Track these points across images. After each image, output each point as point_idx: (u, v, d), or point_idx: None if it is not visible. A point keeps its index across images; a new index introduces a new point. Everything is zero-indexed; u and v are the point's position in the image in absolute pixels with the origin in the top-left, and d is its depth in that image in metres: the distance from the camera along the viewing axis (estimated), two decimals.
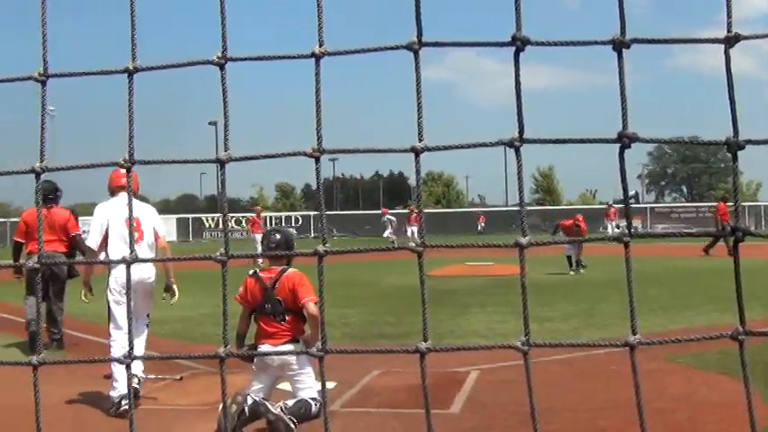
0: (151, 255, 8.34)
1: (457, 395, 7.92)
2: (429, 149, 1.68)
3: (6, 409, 7.79)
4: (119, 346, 8.01)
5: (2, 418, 7.51)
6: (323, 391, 1.78)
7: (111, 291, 8.27)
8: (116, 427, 7.17)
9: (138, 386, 7.87)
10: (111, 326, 8.20)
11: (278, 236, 7.89)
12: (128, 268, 1.92)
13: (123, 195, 8.26)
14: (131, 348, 1.98)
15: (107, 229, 8.34)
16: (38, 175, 1.83)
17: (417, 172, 1.70)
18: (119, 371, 7.72)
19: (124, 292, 8.15)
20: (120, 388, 7.71)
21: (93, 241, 8.40)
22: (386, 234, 43.40)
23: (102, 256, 8.33)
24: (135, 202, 8.01)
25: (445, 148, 1.71)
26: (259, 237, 28.98)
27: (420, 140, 1.67)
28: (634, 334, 1.65)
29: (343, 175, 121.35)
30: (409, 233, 40.37)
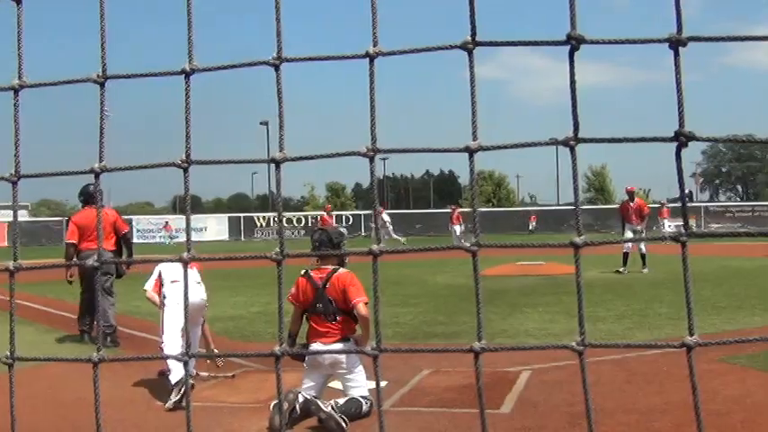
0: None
1: (508, 395, 7.87)
2: (483, 149, 1.66)
3: (64, 406, 7.92)
4: (171, 344, 8.13)
5: (60, 413, 7.64)
6: (377, 389, 1.77)
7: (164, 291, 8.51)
8: (169, 423, 7.24)
9: (192, 382, 7.94)
10: (166, 324, 8.34)
11: (321, 234, 7.90)
12: (185, 266, 1.93)
13: None
14: (188, 346, 2.00)
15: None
16: (97, 176, 1.86)
17: (472, 171, 1.69)
18: (175, 367, 7.83)
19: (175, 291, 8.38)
20: (174, 380, 7.88)
21: None
22: (393, 236, 41.45)
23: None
24: None
25: (500, 147, 1.69)
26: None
27: (474, 139, 1.66)
28: (691, 335, 1.63)
29: (393, 174, 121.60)
30: (456, 232, 39.92)
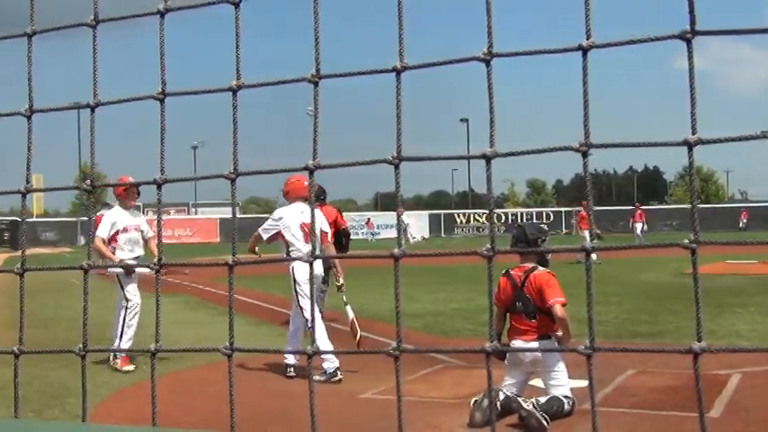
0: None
1: (717, 398, 7.56)
2: (703, 142, 1.60)
3: (273, 395, 8.25)
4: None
5: (270, 402, 7.96)
6: (591, 389, 1.74)
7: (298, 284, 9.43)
8: (371, 414, 7.39)
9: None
10: (305, 316, 9.36)
11: (518, 231, 7.84)
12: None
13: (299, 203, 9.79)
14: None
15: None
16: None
17: (690, 165, 1.63)
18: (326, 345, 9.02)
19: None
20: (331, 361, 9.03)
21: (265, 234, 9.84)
22: (411, 240, 38.92)
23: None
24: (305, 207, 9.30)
25: (724, 140, 1.62)
26: (586, 234, 28.31)
27: (693, 133, 1.60)
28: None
29: (595, 170, 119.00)
30: (637, 230, 38.52)
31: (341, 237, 13.41)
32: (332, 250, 9.84)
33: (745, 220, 64.25)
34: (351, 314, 9.98)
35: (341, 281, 10.03)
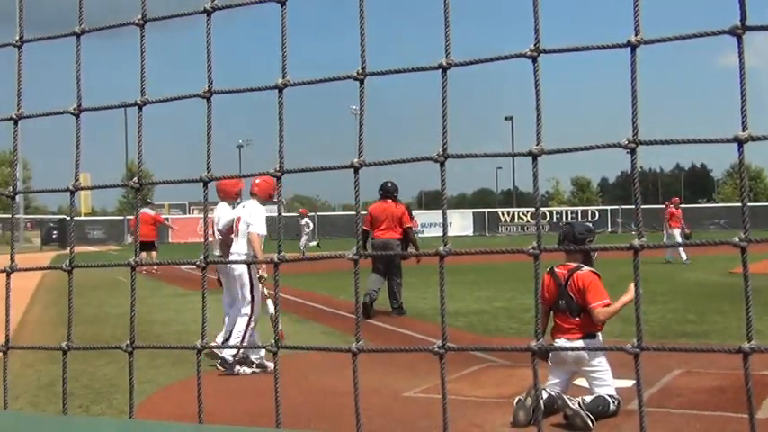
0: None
1: (765, 399, 7.46)
2: (754, 139, 1.57)
3: (316, 392, 8.29)
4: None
5: (311, 399, 7.99)
6: (639, 388, 1.73)
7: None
8: (414, 413, 7.40)
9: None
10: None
11: (566, 229, 7.78)
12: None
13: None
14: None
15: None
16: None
17: (741, 163, 1.61)
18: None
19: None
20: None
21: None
22: (302, 242, 37.65)
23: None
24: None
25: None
26: (677, 231, 27.54)
27: (744, 130, 1.58)
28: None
29: (641, 168, 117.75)
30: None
31: (406, 234, 14.78)
32: (255, 245, 9.93)
33: None
34: (271, 308, 10.04)
35: (260, 273, 10.02)
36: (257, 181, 9.93)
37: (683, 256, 26.04)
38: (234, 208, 10.47)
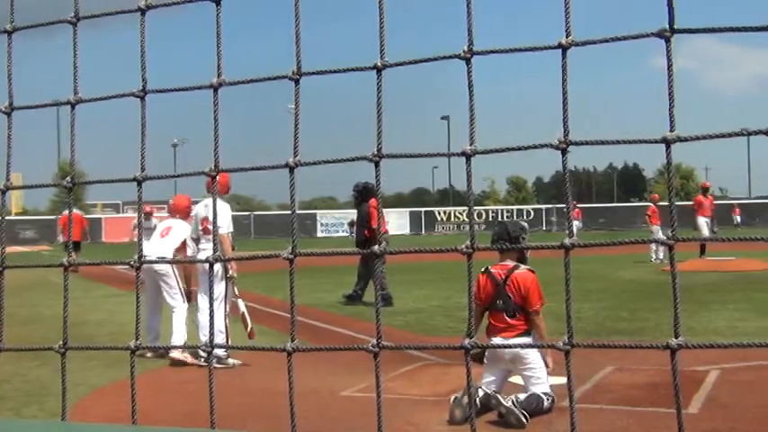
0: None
1: (695, 395, 7.61)
2: (681, 140, 1.61)
3: (251, 394, 8.24)
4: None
5: (246, 401, 7.95)
6: (569, 385, 1.75)
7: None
8: (353, 412, 7.40)
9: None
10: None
11: (499, 228, 7.77)
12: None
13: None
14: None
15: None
16: (291, 170, 1.94)
17: (669, 163, 1.64)
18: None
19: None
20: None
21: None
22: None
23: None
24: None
25: (701, 137, 1.63)
26: (656, 228, 27.36)
27: (671, 130, 1.61)
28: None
29: (575, 167, 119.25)
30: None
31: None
32: (226, 245, 10.00)
33: (738, 217, 63.34)
34: (242, 307, 10.19)
35: (231, 273, 10.01)
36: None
37: (661, 254, 26.14)
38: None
